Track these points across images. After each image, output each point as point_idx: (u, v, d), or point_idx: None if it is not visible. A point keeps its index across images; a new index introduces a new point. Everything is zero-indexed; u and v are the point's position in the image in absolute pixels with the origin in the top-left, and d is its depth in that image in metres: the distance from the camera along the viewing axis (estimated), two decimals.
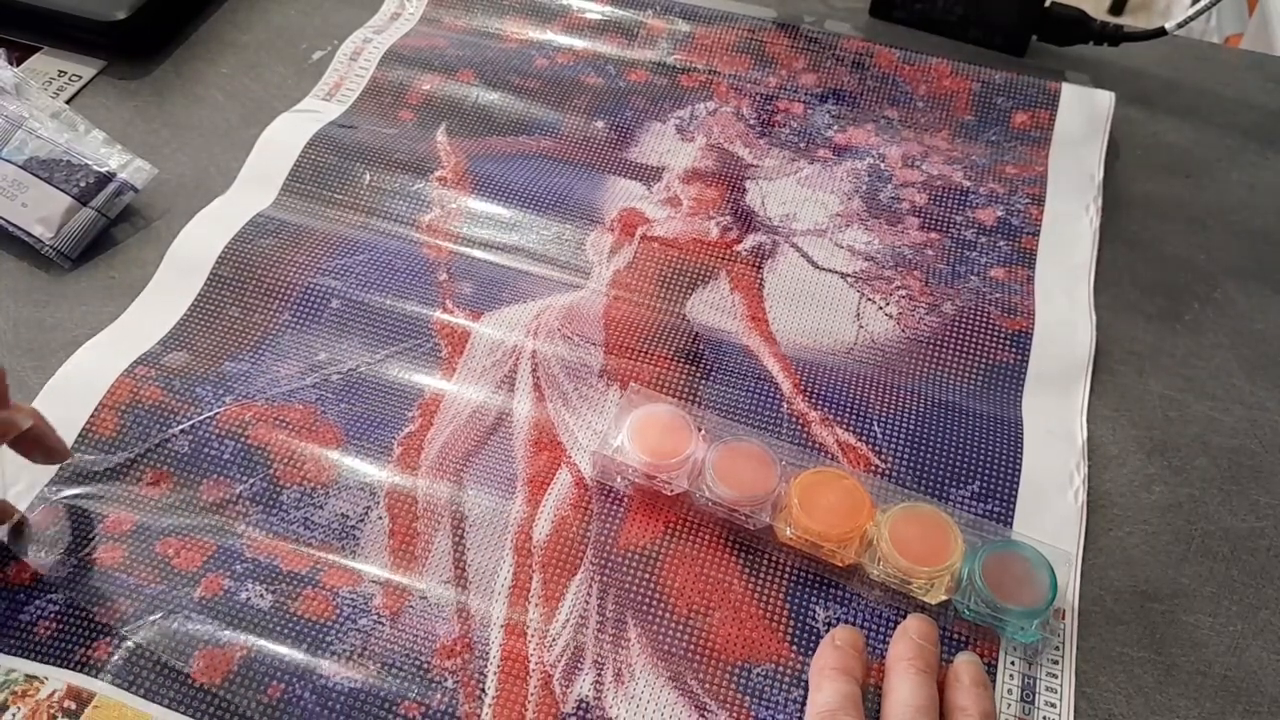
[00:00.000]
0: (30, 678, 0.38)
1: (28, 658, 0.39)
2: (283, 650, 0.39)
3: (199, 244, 0.51)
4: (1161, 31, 0.59)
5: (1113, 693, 0.39)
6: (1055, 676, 0.39)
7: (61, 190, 0.52)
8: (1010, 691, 0.39)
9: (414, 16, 0.65)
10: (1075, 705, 0.39)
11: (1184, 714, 0.39)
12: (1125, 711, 0.39)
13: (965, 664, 0.38)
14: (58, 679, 0.38)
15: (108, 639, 0.39)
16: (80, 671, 0.38)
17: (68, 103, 0.58)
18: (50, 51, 0.62)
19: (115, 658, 0.38)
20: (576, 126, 0.58)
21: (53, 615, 0.39)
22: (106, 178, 0.53)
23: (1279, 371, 0.49)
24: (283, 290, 0.50)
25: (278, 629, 0.39)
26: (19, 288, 0.51)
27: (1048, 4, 0.61)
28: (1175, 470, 0.46)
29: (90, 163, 0.53)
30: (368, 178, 0.55)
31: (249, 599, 0.40)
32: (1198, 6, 0.57)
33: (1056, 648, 0.40)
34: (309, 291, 0.49)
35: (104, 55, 0.62)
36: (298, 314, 0.49)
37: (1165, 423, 0.47)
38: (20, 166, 0.52)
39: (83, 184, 0.52)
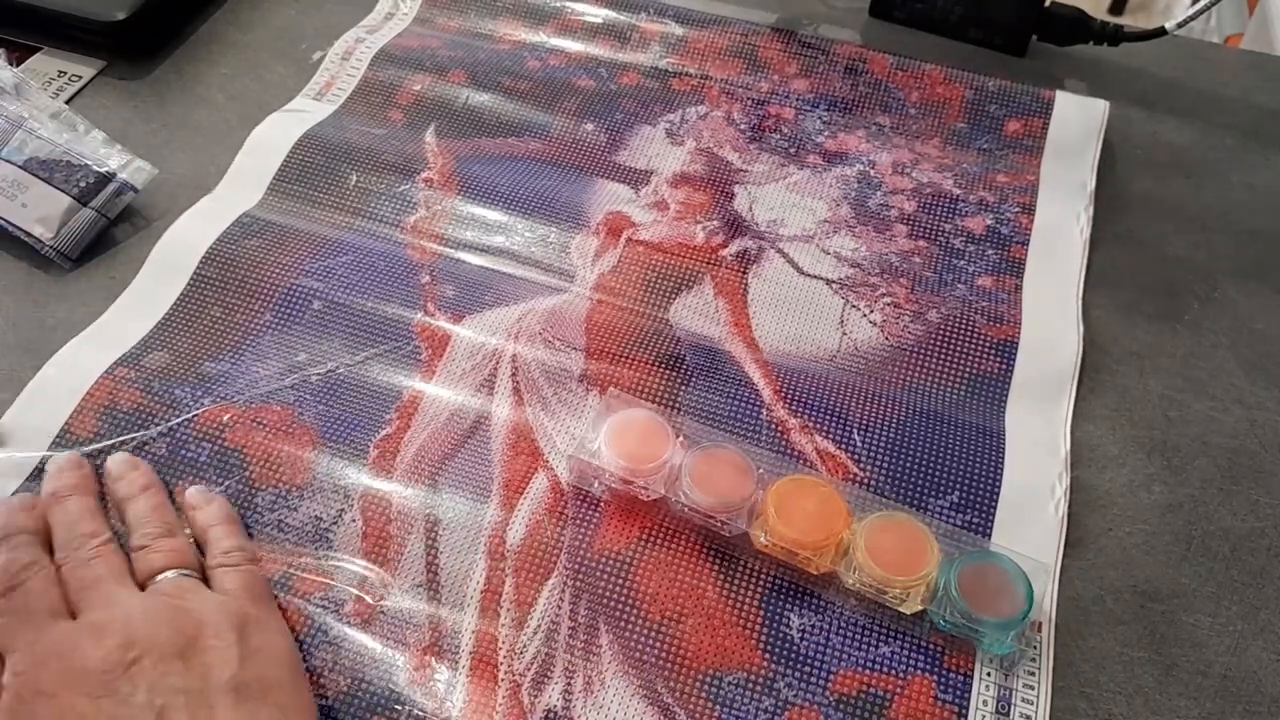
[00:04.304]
0: None
1: None
2: None
3: (183, 243, 0.51)
4: (1161, 31, 0.59)
5: (1113, 693, 0.39)
6: (1032, 689, 0.39)
7: (61, 190, 0.52)
8: (985, 704, 0.38)
9: (408, 17, 0.64)
10: (1050, 717, 0.38)
11: (1184, 714, 0.39)
12: (1125, 711, 0.39)
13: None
14: None
15: None
16: None
17: (68, 103, 0.59)
18: (50, 52, 0.62)
19: None
20: (566, 129, 0.58)
21: None
22: (106, 178, 0.53)
23: (1279, 371, 0.49)
24: (265, 291, 0.50)
25: None
26: (19, 288, 0.51)
27: (1048, 4, 0.60)
28: (1175, 470, 0.45)
29: (90, 163, 0.53)
30: (354, 178, 0.55)
31: None
32: (1198, 6, 0.57)
33: (1033, 659, 0.39)
34: (291, 292, 0.50)
35: (104, 55, 0.62)
36: (279, 315, 0.49)
37: (1165, 423, 0.47)
38: (20, 167, 0.52)
39: (83, 184, 0.52)
